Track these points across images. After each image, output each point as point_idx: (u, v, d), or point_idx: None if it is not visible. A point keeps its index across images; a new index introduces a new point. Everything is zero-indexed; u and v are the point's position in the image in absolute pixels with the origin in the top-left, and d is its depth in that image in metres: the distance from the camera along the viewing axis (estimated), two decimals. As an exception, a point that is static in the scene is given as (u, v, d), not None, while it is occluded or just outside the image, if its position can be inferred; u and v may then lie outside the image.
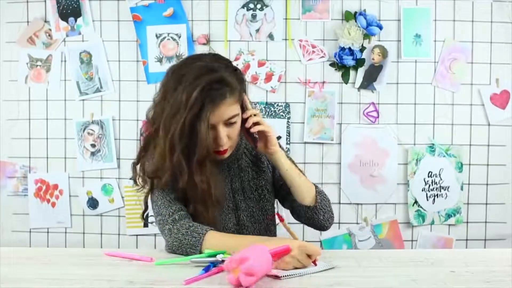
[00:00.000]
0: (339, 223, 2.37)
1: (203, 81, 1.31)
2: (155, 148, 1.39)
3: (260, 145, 1.47)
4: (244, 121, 1.42)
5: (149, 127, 1.43)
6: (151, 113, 1.42)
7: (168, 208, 1.40)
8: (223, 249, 1.25)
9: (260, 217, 1.54)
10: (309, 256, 1.19)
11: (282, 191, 1.56)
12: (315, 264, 1.20)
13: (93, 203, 2.40)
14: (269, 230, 1.57)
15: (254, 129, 1.42)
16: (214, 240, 1.31)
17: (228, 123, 1.38)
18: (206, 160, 1.36)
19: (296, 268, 1.17)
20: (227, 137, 1.39)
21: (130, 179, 1.49)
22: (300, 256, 1.18)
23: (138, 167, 1.46)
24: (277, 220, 1.62)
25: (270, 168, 1.58)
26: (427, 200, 2.37)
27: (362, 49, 2.32)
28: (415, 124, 2.37)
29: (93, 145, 2.39)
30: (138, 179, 1.46)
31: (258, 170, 1.56)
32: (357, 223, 2.38)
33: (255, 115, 1.43)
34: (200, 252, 1.30)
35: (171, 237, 1.35)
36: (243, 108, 1.42)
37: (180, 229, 1.34)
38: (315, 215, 1.48)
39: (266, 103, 2.36)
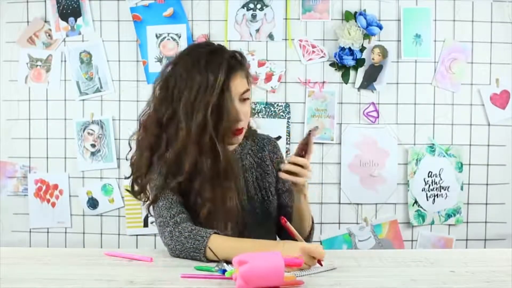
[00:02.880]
0: (339, 223, 2.37)
1: (225, 57, 1.37)
2: (169, 143, 1.38)
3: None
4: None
5: (153, 126, 1.40)
6: (148, 113, 1.41)
7: (169, 210, 1.38)
8: (227, 252, 1.24)
9: (263, 219, 1.53)
10: (313, 257, 1.19)
11: (278, 201, 1.59)
12: (321, 264, 1.20)
13: (93, 203, 2.40)
14: (270, 232, 1.56)
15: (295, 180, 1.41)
16: (218, 243, 1.29)
17: (242, 99, 1.40)
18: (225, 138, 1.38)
19: (300, 269, 1.17)
20: (244, 115, 1.41)
21: (135, 194, 1.46)
22: (304, 258, 1.18)
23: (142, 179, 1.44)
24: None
25: (274, 173, 1.58)
26: (427, 200, 2.37)
27: (362, 49, 2.32)
28: (415, 124, 2.37)
29: (93, 145, 2.39)
30: (141, 194, 1.45)
31: (262, 172, 1.56)
32: (357, 223, 2.38)
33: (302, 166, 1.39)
34: (204, 255, 1.29)
35: (173, 240, 1.33)
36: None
37: (182, 232, 1.32)
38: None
39: (266, 103, 2.36)
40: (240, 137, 1.43)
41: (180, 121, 1.34)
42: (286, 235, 1.41)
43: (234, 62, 1.39)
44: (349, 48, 2.30)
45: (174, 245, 1.32)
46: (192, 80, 1.34)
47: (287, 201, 1.59)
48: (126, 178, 1.50)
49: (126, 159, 1.49)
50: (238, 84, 1.38)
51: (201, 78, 1.33)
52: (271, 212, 1.55)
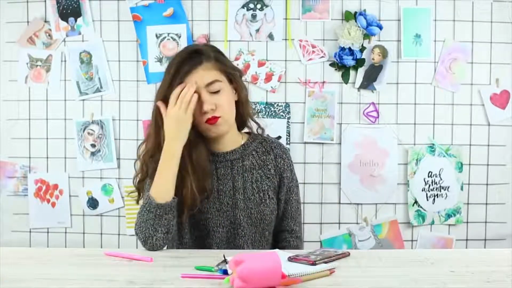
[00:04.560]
0: (339, 223, 2.37)
1: (182, 55, 1.48)
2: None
3: None
4: None
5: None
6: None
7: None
8: (160, 184, 1.40)
9: (257, 220, 1.53)
10: None
11: (277, 224, 1.62)
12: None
13: (93, 203, 2.40)
14: (263, 235, 1.56)
15: None
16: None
17: (212, 90, 1.45)
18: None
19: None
20: (215, 105, 1.44)
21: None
22: None
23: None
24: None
25: (277, 178, 1.58)
26: (427, 200, 2.37)
27: (362, 49, 2.32)
28: (415, 124, 2.37)
29: (93, 145, 2.39)
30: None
31: (263, 174, 1.56)
32: (357, 223, 2.38)
33: None
34: (156, 207, 1.39)
35: (137, 223, 1.46)
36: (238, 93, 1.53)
37: (141, 210, 1.45)
38: None
39: (266, 103, 2.36)
40: (220, 127, 1.47)
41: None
42: (281, 248, 1.51)
43: (192, 59, 1.45)
44: (349, 48, 2.30)
45: (138, 222, 1.45)
46: (161, 83, 1.50)
47: (286, 227, 1.62)
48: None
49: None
50: (198, 78, 1.44)
51: (165, 78, 1.49)
52: (267, 214, 1.55)
